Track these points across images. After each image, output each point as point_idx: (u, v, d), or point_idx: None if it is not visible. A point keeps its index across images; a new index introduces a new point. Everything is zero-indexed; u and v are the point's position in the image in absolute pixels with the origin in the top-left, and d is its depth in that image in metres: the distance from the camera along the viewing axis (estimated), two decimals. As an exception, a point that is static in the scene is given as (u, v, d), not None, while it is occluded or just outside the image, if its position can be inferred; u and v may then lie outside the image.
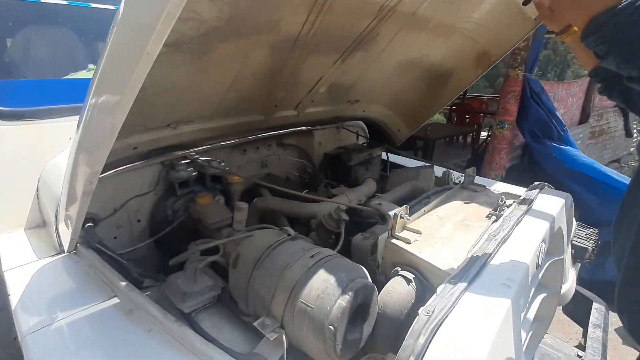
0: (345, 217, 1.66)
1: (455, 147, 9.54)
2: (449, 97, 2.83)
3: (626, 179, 4.05)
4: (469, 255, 1.22)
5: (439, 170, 2.78)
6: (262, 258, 1.26)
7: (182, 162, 1.96)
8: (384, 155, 3.19)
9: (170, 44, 1.29)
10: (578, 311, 2.34)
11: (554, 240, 1.63)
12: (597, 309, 2.23)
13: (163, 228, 1.91)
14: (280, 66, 1.86)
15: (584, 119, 6.54)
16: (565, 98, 5.48)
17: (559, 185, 2.07)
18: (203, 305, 1.36)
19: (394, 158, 3.20)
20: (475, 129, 9.09)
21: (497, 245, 1.27)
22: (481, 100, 11.47)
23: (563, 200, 1.80)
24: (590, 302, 2.29)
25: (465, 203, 1.78)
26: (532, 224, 1.51)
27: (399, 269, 1.31)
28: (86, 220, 1.72)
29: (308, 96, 2.29)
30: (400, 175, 2.92)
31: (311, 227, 1.80)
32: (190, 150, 2.07)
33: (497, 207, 1.66)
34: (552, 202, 1.75)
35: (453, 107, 10.71)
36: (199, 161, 2.03)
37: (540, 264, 1.39)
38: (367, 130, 3.41)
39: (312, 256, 1.20)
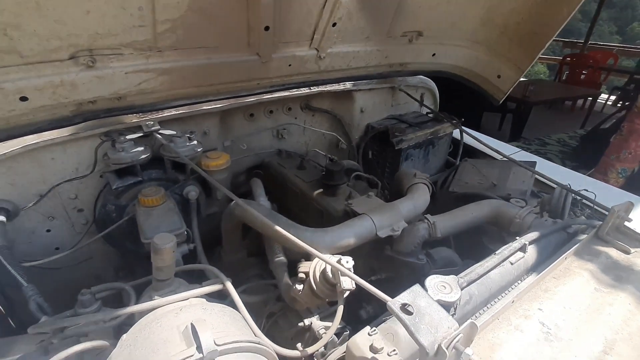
0: (348, 286, 0.88)
1: (559, 115, 7.37)
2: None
3: None
4: None
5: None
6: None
7: (129, 136, 1.30)
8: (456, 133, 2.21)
9: None
10: None
11: None
12: None
13: (110, 223, 1.36)
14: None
15: None
16: None
17: None
18: None
19: (471, 140, 2.18)
20: (596, 93, 6.83)
21: None
22: (609, 51, 8.67)
23: None
24: None
25: (608, 290, 0.87)
26: None
27: None
28: (-2, 211, 1.22)
29: (325, 15, 1.38)
30: (476, 170, 1.95)
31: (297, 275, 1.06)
32: (148, 115, 1.40)
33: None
34: None
35: (567, 58, 8.29)
36: (157, 135, 1.35)
37: None
38: (437, 92, 2.38)
39: None
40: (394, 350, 0.75)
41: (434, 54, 1.99)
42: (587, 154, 3.93)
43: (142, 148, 1.30)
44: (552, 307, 0.81)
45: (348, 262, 0.90)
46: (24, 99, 1.05)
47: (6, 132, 1.10)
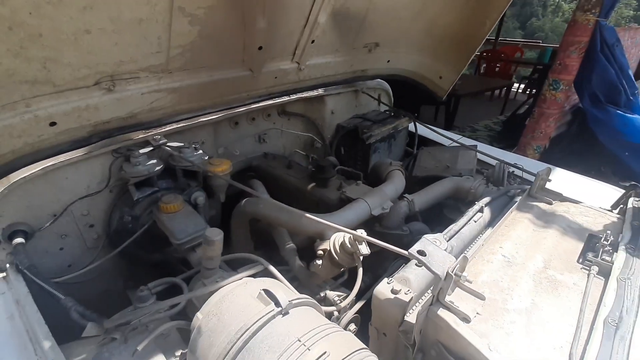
0: (365, 251, 1.14)
1: (481, 104, 8.47)
2: (501, 7, 1.97)
3: None
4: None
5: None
6: (234, 352, 0.78)
7: (141, 150, 1.41)
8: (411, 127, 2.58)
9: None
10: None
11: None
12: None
13: (126, 233, 1.45)
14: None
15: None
16: (629, 48, 4.44)
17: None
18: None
19: (421, 130, 2.56)
20: (510, 83, 8.00)
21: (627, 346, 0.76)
22: (515, 46, 10.07)
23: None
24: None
25: (542, 229, 1.23)
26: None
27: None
28: (14, 234, 1.26)
29: (305, 33, 1.63)
30: (431, 156, 2.33)
31: (315, 252, 1.29)
32: (152, 131, 1.51)
33: (593, 241, 1.12)
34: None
35: (483, 54, 9.46)
36: (166, 148, 1.48)
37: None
38: (391, 92, 2.74)
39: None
40: (409, 290, 1.03)
41: (388, 61, 2.33)
42: (509, 136, 4.68)
43: (155, 160, 1.42)
44: (508, 245, 1.15)
45: (363, 232, 1.15)
46: (53, 124, 1.14)
47: (32, 157, 1.16)
